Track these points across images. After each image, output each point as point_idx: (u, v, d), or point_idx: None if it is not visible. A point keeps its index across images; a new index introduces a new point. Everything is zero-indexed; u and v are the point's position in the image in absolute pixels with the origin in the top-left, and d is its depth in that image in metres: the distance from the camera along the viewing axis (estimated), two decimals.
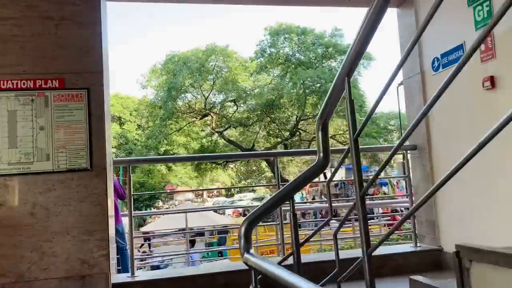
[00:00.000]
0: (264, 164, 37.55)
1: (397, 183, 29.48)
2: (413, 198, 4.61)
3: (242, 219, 18.59)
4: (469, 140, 3.89)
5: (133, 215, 4.02)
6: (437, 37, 4.15)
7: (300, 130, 29.15)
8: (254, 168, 43.73)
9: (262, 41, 27.21)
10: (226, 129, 30.42)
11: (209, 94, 29.66)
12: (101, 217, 3.48)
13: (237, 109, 30.11)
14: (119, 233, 6.34)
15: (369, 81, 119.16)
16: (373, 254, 1.71)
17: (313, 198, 34.87)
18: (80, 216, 3.49)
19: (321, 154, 2.31)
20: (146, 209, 33.98)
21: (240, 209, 36.14)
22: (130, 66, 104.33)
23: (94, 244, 3.43)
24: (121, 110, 41.68)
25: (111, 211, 3.53)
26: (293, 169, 43.59)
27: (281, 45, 27.31)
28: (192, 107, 31.05)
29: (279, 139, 29.84)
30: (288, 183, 2.30)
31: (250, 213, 2.19)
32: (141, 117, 35.36)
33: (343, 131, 28.33)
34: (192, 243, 12.03)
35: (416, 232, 4.54)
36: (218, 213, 28.77)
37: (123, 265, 6.07)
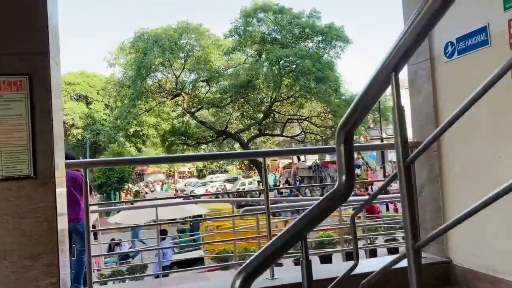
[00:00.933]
0: (237, 145, 36.89)
1: (368, 166, 29.52)
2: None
3: (215, 205, 17.88)
4: (489, 139, 3.36)
5: (90, 211, 3.31)
6: (452, 18, 3.56)
7: (274, 112, 28.61)
8: (227, 149, 43.00)
9: (237, 20, 26.19)
10: (198, 110, 29.50)
11: (180, 74, 28.57)
12: (48, 237, 2.75)
13: (209, 89, 29.20)
14: (80, 234, 5.62)
15: (345, 64, 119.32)
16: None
17: (286, 181, 34.59)
18: (21, 236, 2.76)
19: (344, 177, 1.68)
20: (114, 193, 32.97)
21: (213, 191, 35.61)
22: (97, 42, 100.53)
23: (39, 271, 2.71)
24: (87, 89, 39.99)
25: (62, 224, 2.82)
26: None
27: (257, 24, 26.40)
28: (162, 86, 29.91)
29: (252, 121, 29.21)
30: (298, 218, 1.66)
31: (247, 263, 1.54)
32: (109, 97, 33.89)
33: (318, 113, 27.93)
34: (164, 233, 11.37)
35: (420, 225, 4.04)
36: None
37: (76, 275, 5.32)
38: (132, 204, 13.93)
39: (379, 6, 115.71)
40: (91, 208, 5.36)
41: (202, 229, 15.47)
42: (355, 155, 30.54)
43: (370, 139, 18.24)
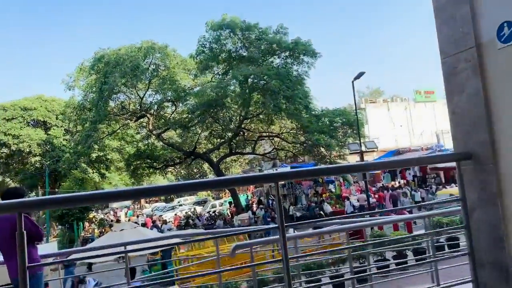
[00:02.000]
0: (206, 166, 35.66)
1: (343, 181, 28.94)
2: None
3: (187, 232, 16.44)
4: None
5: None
6: None
7: (244, 130, 27.72)
8: (196, 170, 41.61)
9: (204, 38, 25.25)
10: (164, 131, 28.22)
11: (144, 94, 27.32)
12: None
13: (176, 109, 28.04)
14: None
15: (313, 79, 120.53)
16: None
17: (259, 201, 33.52)
18: None
19: None
20: (77, 223, 30.89)
21: (182, 216, 34.05)
22: (55, 65, 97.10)
23: None
24: (45, 114, 37.82)
25: None
26: (237, 169, 42.14)
27: (223, 41, 25.57)
28: (126, 108, 28.51)
29: (222, 140, 28.18)
30: None
31: None
32: (69, 121, 31.95)
33: (289, 129, 27.23)
34: (133, 272, 10.04)
35: (475, 256, 3.13)
36: (158, 225, 26.53)
37: None
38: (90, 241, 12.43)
39: (347, 20, 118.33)
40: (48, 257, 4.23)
41: (175, 261, 14.12)
42: None
43: (350, 153, 17.61)
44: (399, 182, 31.72)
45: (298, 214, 24.23)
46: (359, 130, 15.66)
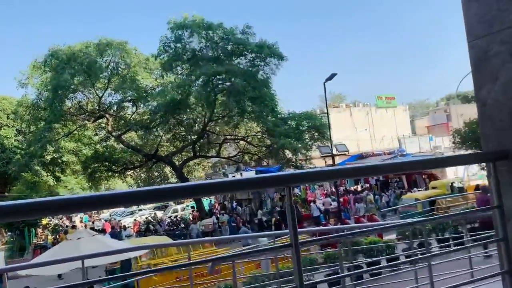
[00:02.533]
0: (168, 169, 34.51)
1: (308, 185, 28.68)
2: None
3: (148, 239, 15.43)
4: None
5: None
6: None
7: (208, 132, 26.96)
8: (157, 174, 40.24)
9: (167, 37, 24.30)
10: (124, 132, 27.06)
11: (103, 94, 26.01)
12: None
13: (136, 110, 26.91)
14: None
15: (280, 81, 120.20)
16: None
17: (222, 205, 32.74)
18: None
19: None
20: (29, 229, 28.96)
21: (142, 221, 32.74)
22: (6, 61, 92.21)
23: None
24: None
25: None
26: (200, 173, 41.15)
27: (187, 40, 24.74)
28: (83, 108, 27.06)
29: (185, 143, 27.27)
30: None
31: None
32: (21, 121, 29.98)
33: (255, 132, 26.71)
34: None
35: None
36: (117, 232, 25.14)
37: None
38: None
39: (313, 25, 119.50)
40: None
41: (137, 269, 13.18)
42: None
43: (322, 156, 17.21)
44: (362, 186, 31.87)
45: (264, 218, 23.64)
46: (330, 133, 15.33)
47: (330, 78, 13.96)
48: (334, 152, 14.13)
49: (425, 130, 48.26)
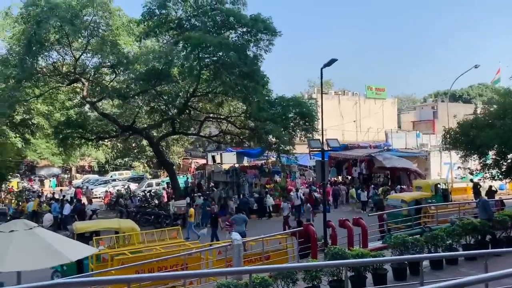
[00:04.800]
0: (145, 142, 32.61)
1: (289, 172, 27.30)
2: None
3: (106, 223, 13.52)
4: None
5: None
6: None
7: (190, 108, 25.15)
8: (134, 145, 38.37)
9: (149, 1, 21.99)
10: (100, 99, 25.13)
11: (80, 55, 23.85)
12: None
13: (115, 77, 24.82)
14: None
15: (270, 59, 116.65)
16: None
17: (198, 184, 31.25)
18: None
19: None
20: None
21: (114, 192, 30.99)
22: None
23: None
24: None
25: None
26: (178, 149, 39.46)
27: (173, 7, 22.54)
28: (58, 69, 24.78)
29: (165, 117, 25.38)
30: None
31: None
32: None
33: (239, 113, 25.01)
34: None
35: None
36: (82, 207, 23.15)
37: None
38: None
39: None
40: None
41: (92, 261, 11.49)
42: (273, 159, 28.17)
43: (311, 151, 15.72)
44: (346, 178, 30.71)
45: (233, 205, 22.23)
46: (322, 124, 13.69)
47: (329, 64, 12.28)
48: (326, 148, 12.54)
49: (411, 125, 47.22)
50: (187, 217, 19.77)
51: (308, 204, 20.57)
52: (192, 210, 19.44)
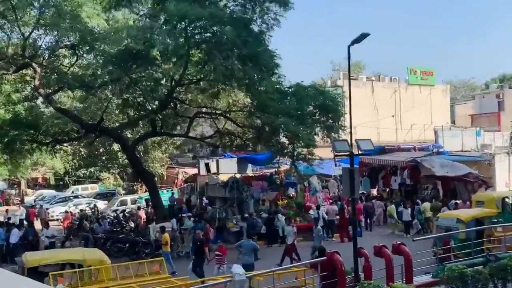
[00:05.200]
0: (117, 146, 32.76)
1: (308, 185, 27.37)
2: None
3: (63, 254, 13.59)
4: None
5: None
6: None
7: (176, 101, 25.54)
8: (102, 150, 38.57)
9: None
10: (57, 90, 25.72)
11: (31, 32, 24.43)
12: None
13: (77, 60, 25.33)
14: None
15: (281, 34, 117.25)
16: None
17: (187, 201, 31.38)
18: None
19: None
20: None
21: (77, 213, 31.14)
22: None
23: None
24: None
25: None
26: (161, 154, 39.72)
27: None
28: (1, 51, 25.13)
29: (143, 112, 25.62)
30: None
31: None
32: None
33: (241, 106, 25.21)
34: None
35: None
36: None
37: None
38: None
39: None
40: None
41: None
42: (287, 167, 28.12)
43: (336, 154, 15.57)
44: (383, 190, 30.68)
45: (235, 229, 22.45)
46: (351, 120, 13.64)
47: (359, 39, 12.23)
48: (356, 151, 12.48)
49: (468, 119, 47.08)
50: (173, 245, 19.79)
51: (319, 227, 20.68)
52: (166, 235, 19.44)
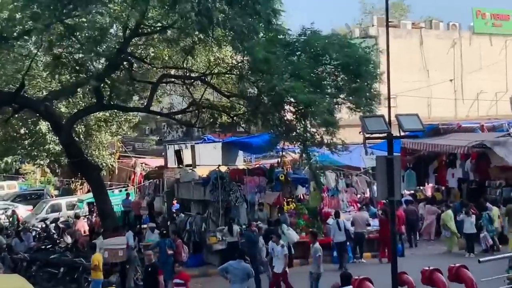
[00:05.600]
0: (46, 126, 32.83)
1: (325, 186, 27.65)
2: None
3: None
4: None
5: None
6: None
7: (131, 58, 25.71)
8: (23, 130, 38.58)
9: None
10: None
11: None
12: None
13: None
14: None
15: None
16: None
17: (151, 202, 31.72)
18: None
19: None
20: None
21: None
22: None
23: None
24: None
25: None
26: (111, 137, 39.98)
27: None
28: None
29: (82, 75, 25.68)
30: None
31: None
32: None
33: (225, 68, 25.72)
34: None
35: None
36: None
37: None
38: None
39: None
40: None
41: None
42: (295, 156, 28.18)
43: (367, 137, 15.53)
44: (436, 189, 30.91)
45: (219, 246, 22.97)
46: (389, 87, 13.72)
47: None
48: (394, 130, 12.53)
49: None
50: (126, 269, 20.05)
51: (316, 244, 20.17)
52: (97, 256, 19.56)
